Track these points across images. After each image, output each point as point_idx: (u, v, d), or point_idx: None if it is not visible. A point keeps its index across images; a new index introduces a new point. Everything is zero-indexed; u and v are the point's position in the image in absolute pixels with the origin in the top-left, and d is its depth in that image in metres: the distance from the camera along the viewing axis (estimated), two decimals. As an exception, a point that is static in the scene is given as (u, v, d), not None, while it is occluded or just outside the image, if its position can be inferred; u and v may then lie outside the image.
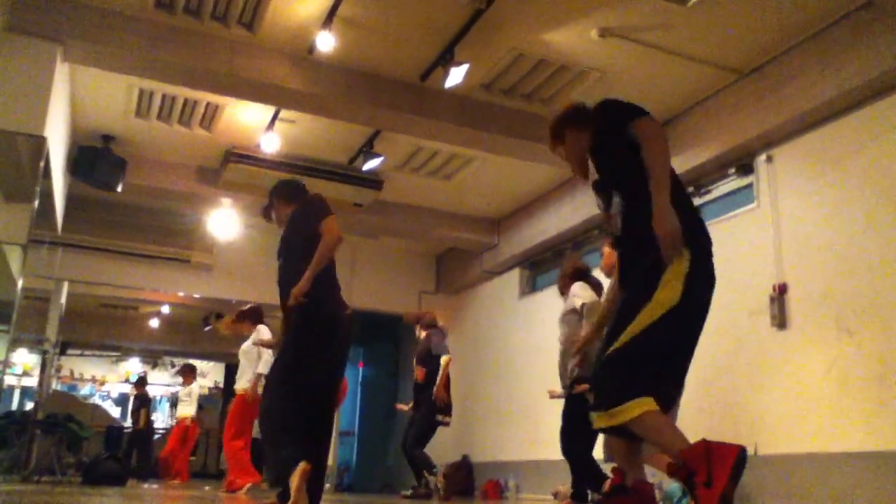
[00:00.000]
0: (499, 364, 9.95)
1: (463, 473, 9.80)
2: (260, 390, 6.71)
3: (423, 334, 7.45)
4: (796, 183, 6.06)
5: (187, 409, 10.25)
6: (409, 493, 7.14)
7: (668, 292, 2.43)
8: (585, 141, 2.79)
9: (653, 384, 2.43)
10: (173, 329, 15.20)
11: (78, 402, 14.63)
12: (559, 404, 4.95)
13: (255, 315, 7.42)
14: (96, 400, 16.38)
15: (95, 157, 7.79)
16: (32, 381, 11.80)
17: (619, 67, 6.38)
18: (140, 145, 8.18)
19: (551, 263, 9.51)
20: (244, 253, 10.11)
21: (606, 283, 4.69)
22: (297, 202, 3.90)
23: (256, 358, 7.12)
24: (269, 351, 6.79)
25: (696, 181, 6.91)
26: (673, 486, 5.79)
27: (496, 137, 7.14)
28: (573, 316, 4.90)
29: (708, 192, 6.99)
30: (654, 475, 5.14)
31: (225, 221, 9.46)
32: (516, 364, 9.45)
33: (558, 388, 5.08)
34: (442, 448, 8.60)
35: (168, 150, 8.34)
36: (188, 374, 10.59)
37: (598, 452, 4.71)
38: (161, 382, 16.92)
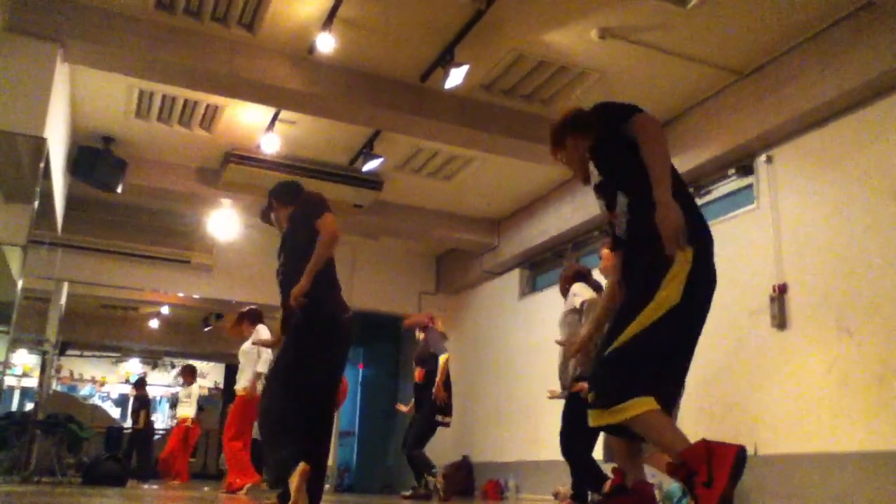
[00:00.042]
0: (499, 364, 9.95)
1: (463, 474, 9.80)
2: (259, 389, 6.73)
3: (421, 336, 7.49)
4: (796, 183, 6.06)
5: (187, 410, 10.25)
6: (408, 493, 7.15)
7: (670, 292, 2.44)
8: (585, 146, 2.80)
9: (653, 384, 2.43)
10: (173, 330, 15.21)
11: (78, 403, 14.65)
12: (559, 404, 4.94)
13: (253, 316, 7.42)
14: (96, 400, 16.39)
15: (95, 158, 7.79)
16: (32, 382, 11.80)
17: (618, 68, 6.39)
18: (140, 146, 8.18)
19: (551, 264, 9.51)
20: (244, 253, 10.11)
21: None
22: (295, 203, 3.90)
23: (256, 358, 7.12)
24: (269, 350, 6.79)
25: (696, 181, 6.92)
26: (673, 486, 5.79)
27: (496, 138, 7.14)
28: (573, 316, 4.90)
29: (708, 192, 7.00)
30: (655, 475, 5.14)
31: (225, 222, 9.47)
32: (516, 364, 9.45)
33: (558, 389, 5.08)
34: (442, 448, 8.60)
35: (168, 151, 8.35)
36: (188, 375, 10.60)
37: (597, 453, 4.71)
38: (161, 383, 16.93)
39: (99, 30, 5.85)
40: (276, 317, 3.97)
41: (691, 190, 6.78)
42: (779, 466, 5.62)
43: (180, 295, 11.11)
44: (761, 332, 6.05)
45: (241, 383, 7.19)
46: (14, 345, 7.25)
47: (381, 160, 7.85)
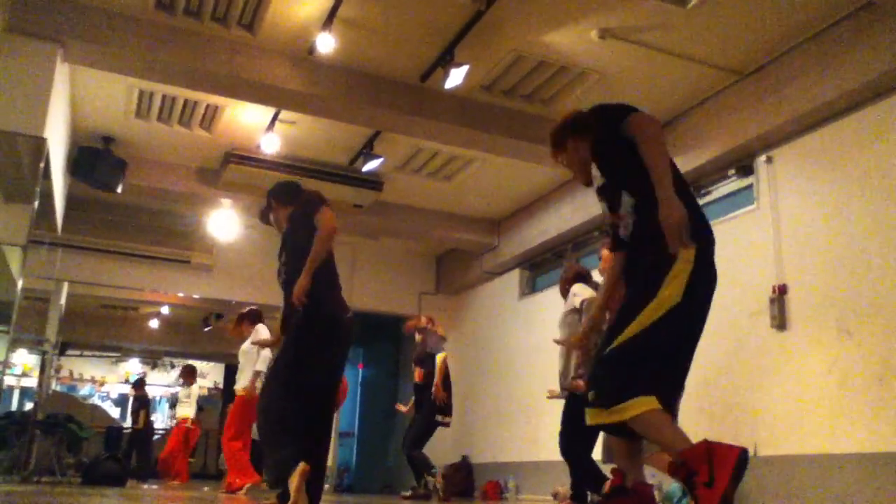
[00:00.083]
0: (499, 365, 9.95)
1: (462, 474, 9.80)
2: (259, 388, 6.74)
3: (419, 337, 7.56)
4: (796, 184, 6.06)
5: (187, 411, 10.25)
6: (408, 493, 7.17)
7: (671, 291, 2.44)
8: (586, 148, 2.80)
9: (654, 383, 2.43)
10: (173, 330, 15.21)
11: (77, 403, 14.63)
12: (559, 405, 4.94)
13: (253, 316, 7.43)
14: (96, 400, 16.38)
15: (95, 158, 7.79)
16: (32, 382, 11.80)
17: (618, 68, 6.39)
18: (140, 146, 8.18)
19: (551, 264, 9.51)
20: (244, 254, 10.11)
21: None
22: (294, 203, 3.90)
23: (255, 358, 7.13)
24: (268, 350, 6.80)
25: (696, 182, 6.91)
26: (673, 487, 5.78)
27: (496, 138, 7.14)
28: (573, 316, 4.90)
29: (708, 192, 7.00)
30: (654, 476, 5.14)
31: (225, 222, 9.47)
32: (516, 365, 9.45)
33: (557, 389, 5.08)
34: (442, 449, 8.60)
35: (168, 151, 8.35)
36: (189, 375, 10.59)
37: (596, 454, 4.71)
38: (160, 383, 16.92)
39: (99, 30, 5.85)
40: (277, 317, 3.97)
41: (691, 190, 6.81)
42: (778, 467, 5.62)
43: (180, 295, 11.12)
44: (761, 332, 6.05)
45: (241, 383, 7.19)
46: (14, 345, 7.25)
47: (381, 160, 7.85)
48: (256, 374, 7.00)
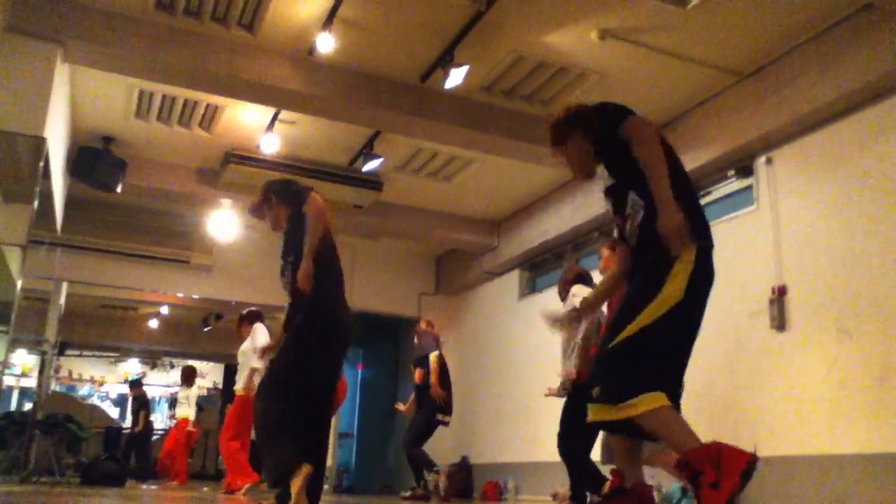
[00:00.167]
0: (498, 365, 9.95)
1: (462, 475, 9.80)
2: (252, 382, 6.77)
3: (417, 339, 7.67)
4: (796, 185, 6.06)
5: (186, 411, 10.24)
6: (407, 494, 7.19)
7: (673, 289, 2.45)
8: (587, 144, 2.79)
9: (658, 380, 2.43)
10: (172, 330, 15.20)
11: (77, 403, 14.61)
12: (558, 405, 4.94)
13: (251, 316, 7.43)
14: (95, 400, 16.37)
15: (95, 158, 7.79)
16: (31, 382, 11.80)
17: (619, 69, 6.39)
18: (140, 146, 8.17)
19: (551, 265, 9.51)
20: (244, 254, 10.11)
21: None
22: (294, 205, 3.89)
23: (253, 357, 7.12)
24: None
25: (695, 183, 6.90)
26: (672, 487, 5.79)
27: (496, 139, 7.14)
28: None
29: (708, 193, 6.99)
30: (654, 477, 5.14)
31: (224, 222, 9.46)
32: (516, 365, 9.45)
33: (555, 387, 5.07)
34: (441, 449, 8.60)
35: (168, 151, 8.34)
36: (188, 377, 10.59)
37: (595, 455, 4.71)
38: (160, 383, 16.92)
39: (99, 30, 5.85)
40: (277, 317, 3.97)
41: (693, 188, 6.81)
42: (778, 468, 5.62)
43: (180, 295, 11.12)
44: (761, 333, 6.05)
45: (241, 384, 7.19)
46: (13, 345, 7.25)
47: (380, 161, 7.85)
48: (253, 371, 6.99)
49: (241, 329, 7.41)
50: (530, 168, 8.04)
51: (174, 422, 10.72)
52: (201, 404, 12.17)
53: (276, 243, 3.93)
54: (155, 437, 12.78)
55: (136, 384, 12.41)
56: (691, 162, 6.70)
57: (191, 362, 13.30)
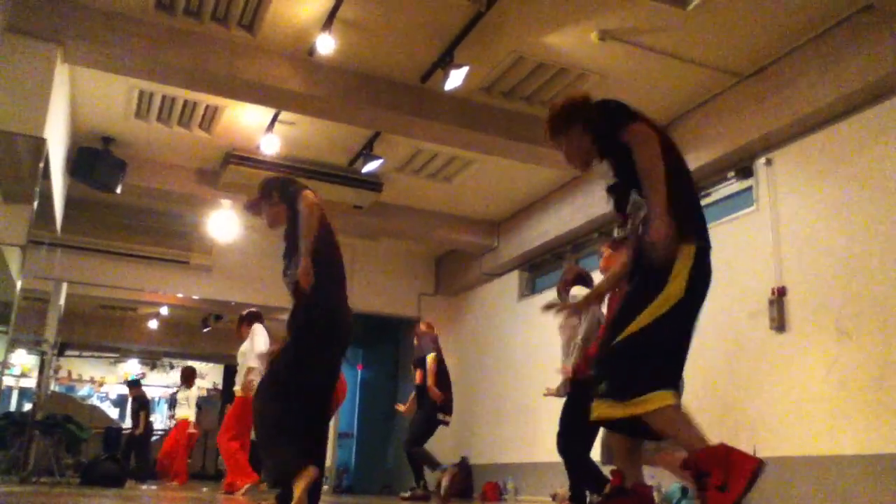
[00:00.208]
0: (498, 366, 9.95)
1: (462, 475, 9.79)
2: (249, 380, 6.77)
3: (416, 341, 7.70)
4: (796, 186, 6.06)
5: (185, 412, 10.24)
6: (407, 494, 7.20)
7: (675, 287, 2.46)
8: (587, 138, 2.77)
9: (663, 378, 2.43)
10: (172, 330, 15.20)
11: (76, 403, 14.62)
12: (558, 405, 4.94)
13: (251, 317, 7.43)
14: (95, 401, 16.36)
15: (95, 159, 7.79)
16: (31, 383, 11.79)
17: (618, 70, 6.39)
18: (140, 147, 8.17)
19: (551, 265, 9.51)
20: (243, 254, 10.11)
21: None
22: (290, 203, 3.88)
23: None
24: (265, 347, 6.84)
25: (695, 184, 6.90)
26: (672, 487, 5.79)
27: (496, 139, 7.14)
28: (573, 318, 4.90)
29: (708, 194, 6.99)
30: (654, 477, 5.14)
31: (224, 223, 9.46)
32: (515, 366, 9.45)
33: (554, 386, 5.07)
34: (441, 450, 8.59)
35: (168, 152, 8.34)
36: (188, 378, 10.59)
37: (595, 455, 4.70)
38: (160, 384, 16.91)
39: (99, 30, 5.85)
40: (276, 318, 3.97)
41: (695, 188, 6.81)
42: (777, 469, 5.62)
43: (179, 296, 11.11)
44: (760, 334, 6.05)
45: (241, 384, 7.18)
46: (13, 345, 7.24)
47: (380, 161, 7.85)
48: (249, 370, 6.98)
49: (240, 330, 7.40)
50: (530, 169, 8.04)
51: (174, 422, 10.71)
52: (200, 404, 12.17)
53: (276, 244, 3.93)
54: (154, 438, 12.77)
55: (134, 384, 12.40)
56: (691, 163, 6.62)
57: (190, 363, 13.30)
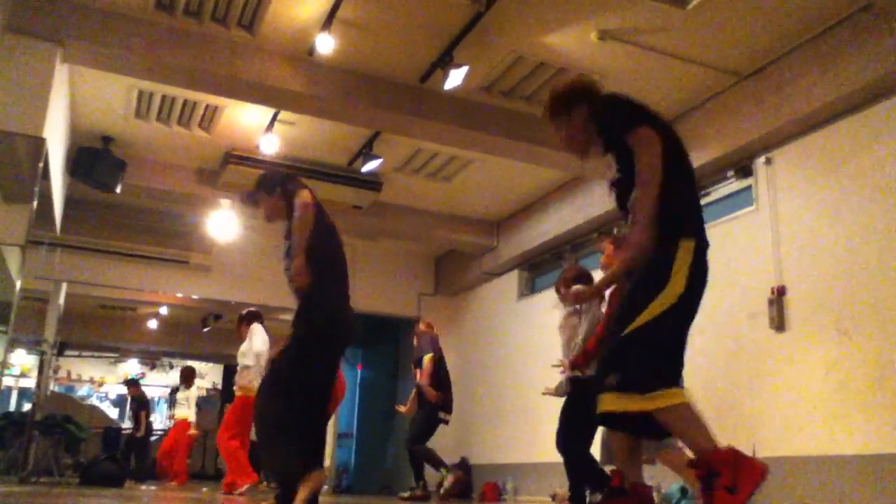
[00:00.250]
0: (497, 366, 9.94)
1: (464, 478, 9.80)
2: (246, 379, 6.78)
3: (416, 341, 7.78)
4: (795, 185, 6.07)
5: (185, 412, 10.24)
6: (406, 494, 7.21)
7: (676, 283, 2.46)
8: (591, 126, 2.73)
9: (665, 375, 2.43)
10: (172, 330, 15.19)
11: (76, 404, 14.61)
12: (557, 405, 4.94)
13: (250, 316, 7.43)
14: (94, 401, 16.36)
15: (95, 159, 7.79)
16: (30, 383, 11.80)
17: (618, 70, 6.39)
18: (139, 146, 8.17)
19: (550, 265, 9.51)
20: (243, 254, 10.11)
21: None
22: (288, 201, 3.87)
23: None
24: (265, 346, 6.85)
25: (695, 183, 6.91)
26: (672, 487, 5.79)
27: (496, 139, 7.14)
28: (574, 318, 4.90)
29: (707, 194, 6.99)
30: (653, 477, 5.14)
31: (224, 223, 9.45)
32: (515, 366, 9.45)
33: (553, 386, 5.07)
34: (440, 450, 8.60)
35: (167, 152, 8.34)
36: (188, 378, 10.59)
37: (595, 455, 4.70)
38: (159, 384, 16.91)
39: (99, 30, 5.84)
40: (276, 317, 3.97)
41: (695, 184, 6.81)
42: (777, 469, 5.59)
43: (179, 295, 11.11)
44: (760, 334, 6.05)
45: (240, 384, 7.18)
46: (12, 345, 7.25)
47: (380, 161, 7.85)
48: (246, 368, 6.98)
49: (240, 329, 7.40)
50: (530, 169, 8.04)
51: (173, 422, 10.71)
52: (200, 404, 12.17)
53: (276, 243, 3.93)
54: (154, 438, 12.77)
55: (133, 383, 12.39)
56: (691, 162, 6.70)
57: (190, 363, 13.29)
